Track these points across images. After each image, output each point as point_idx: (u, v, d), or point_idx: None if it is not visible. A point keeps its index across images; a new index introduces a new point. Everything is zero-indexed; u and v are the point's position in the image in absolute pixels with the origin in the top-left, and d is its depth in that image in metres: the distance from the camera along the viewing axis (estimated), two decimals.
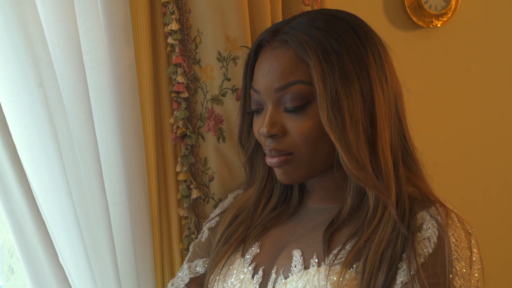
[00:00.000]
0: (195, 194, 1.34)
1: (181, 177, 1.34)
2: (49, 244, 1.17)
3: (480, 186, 2.00)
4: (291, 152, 1.05)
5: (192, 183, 1.35)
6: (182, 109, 1.33)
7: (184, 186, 1.35)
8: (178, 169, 1.35)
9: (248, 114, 1.16)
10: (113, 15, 1.26)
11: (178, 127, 1.33)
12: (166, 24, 1.31)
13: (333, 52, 1.02)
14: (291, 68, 1.04)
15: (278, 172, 1.08)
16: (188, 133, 1.34)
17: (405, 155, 1.08)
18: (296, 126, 1.04)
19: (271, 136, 1.06)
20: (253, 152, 1.18)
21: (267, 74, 1.05)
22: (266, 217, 1.16)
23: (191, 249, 1.27)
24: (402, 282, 0.96)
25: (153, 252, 1.33)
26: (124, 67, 1.28)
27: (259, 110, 1.09)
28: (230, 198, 1.29)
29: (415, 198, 1.04)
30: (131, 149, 1.30)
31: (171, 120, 1.33)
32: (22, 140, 1.22)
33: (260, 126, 1.06)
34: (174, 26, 1.30)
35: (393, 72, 1.09)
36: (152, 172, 1.31)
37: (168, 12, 1.30)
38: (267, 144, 1.07)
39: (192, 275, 1.20)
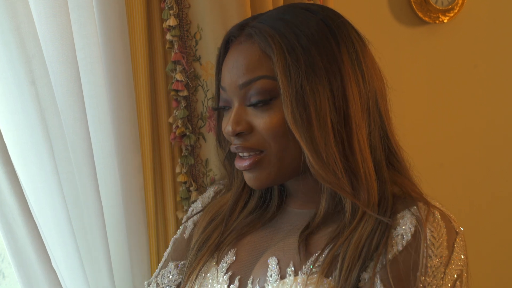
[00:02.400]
0: (194, 196, 1.33)
1: (180, 178, 1.34)
2: (41, 247, 1.16)
3: (487, 187, 1.99)
4: (261, 150, 1.02)
5: (192, 185, 1.34)
6: (182, 108, 1.32)
7: (183, 188, 1.34)
8: (177, 170, 1.34)
9: (217, 111, 1.13)
10: (107, 11, 1.25)
11: (177, 127, 1.32)
12: (164, 20, 1.30)
13: (299, 46, 0.99)
14: (255, 63, 1.02)
15: (248, 177, 1.05)
16: (188, 133, 1.33)
17: (389, 154, 1.05)
18: (262, 122, 1.01)
19: (238, 134, 1.03)
20: (230, 152, 1.14)
21: (232, 70, 1.04)
22: (241, 221, 1.13)
23: (171, 244, 1.22)
24: (366, 278, 0.94)
25: (149, 256, 1.32)
26: (119, 64, 1.27)
27: (226, 107, 1.07)
28: (210, 191, 1.25)
29: (398, 197, 1.01)
30: (127, 149, 1.29)
31: (170, 120, 1.33)
32: (13, 140, 1.21)
33: (226, 125, 1.04)
34: (172, 21, 1.29)
35: (373, 68, 1.06)
36: (148, 173, 1.31)
37: (166, 7, 1.29)
38: (235, 142, 1.04)
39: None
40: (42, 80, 1.19)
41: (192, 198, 1.33)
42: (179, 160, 1.34)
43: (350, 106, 1.00)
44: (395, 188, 1.03)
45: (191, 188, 1.34)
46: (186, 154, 1.34)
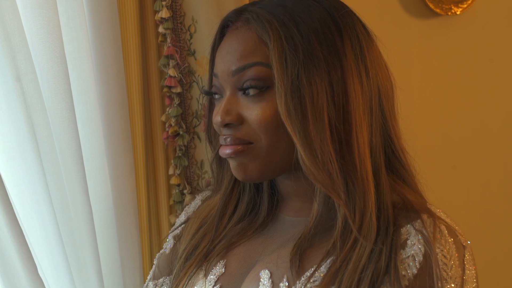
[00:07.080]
0: (188, 200, 1.33)
1: (173, 181, 1.33)
2: (27, 254, 1.15)
3: (502, 190, 1.99)
4: (250, 142, 1.01)
5: (186, 188, 1.34)
6: (175, 105, 1.32)
7: (177, 191, 1.34)
8: (170, 172, 1.33)
9: (209, 103, 1.12)
10: (97, 2, 1.25)
11: (170, 126, 1.32)
12: (156, 12, 1.29)
13: (299, 34, 0.98)
14: (251, 49, 1.00)
15: (233, 165, 1.03)
16: (181, 132, 1.32)
17: (392, 159, 1.04)
18: (253, 113, 0.99)
19: (227, 125, 1.01)
20: None
21: (226, 56, 1.03)
22: (232, 229, 1.12)
23: (155, 262, 1.22)
24: None
25: (142, 263, 1.33)
26: (110, 59, 1.27)
27: (217, 95, 1.05)
28: (197, 200, 1.24)
29: (400, 209, 0.99)
30: (118, 149, 1.28)
31: (163, 118, 1.32)
32: None
33: (216, 115, 1.03)
34: (164, 13, 1.29)
35: (378, 65, 1.04)
36: (140, 175, 1.30)
37: None
38: (223, 133, 1.02)
39: None
40: (27, 76, 1.18)
41: (186, 202, 1.33)
42: (172, 161, 1.33)
43: (351, 102, 0.98)
44: (395, 196, 1.01)
45: (185, 191, 1.34)
46: (179, 154, 1.33)
